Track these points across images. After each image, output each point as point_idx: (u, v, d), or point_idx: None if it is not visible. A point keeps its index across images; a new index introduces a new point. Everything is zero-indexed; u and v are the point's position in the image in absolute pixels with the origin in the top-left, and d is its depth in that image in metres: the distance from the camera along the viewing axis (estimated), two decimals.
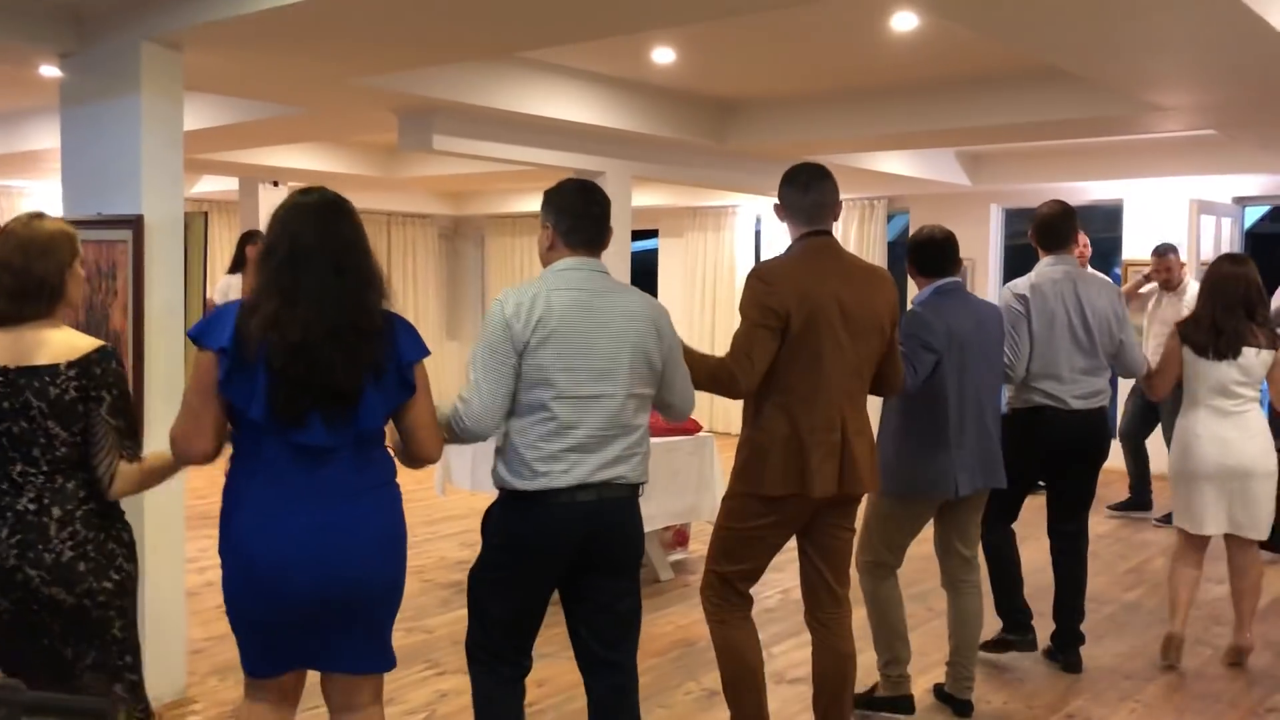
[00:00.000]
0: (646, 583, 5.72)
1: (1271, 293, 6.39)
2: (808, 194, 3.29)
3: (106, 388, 2.58)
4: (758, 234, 11.48)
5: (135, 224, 3.94)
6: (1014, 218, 10.63)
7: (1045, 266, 4.37)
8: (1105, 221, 10.28)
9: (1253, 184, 8.88)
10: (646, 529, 5.32)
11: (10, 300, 2.55)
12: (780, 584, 5.65)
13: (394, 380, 2.53)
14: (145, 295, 3.95)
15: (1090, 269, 7.69)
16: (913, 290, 4.10)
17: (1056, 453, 4.36)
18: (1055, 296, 4.25)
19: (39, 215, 2.66)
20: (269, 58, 4.53)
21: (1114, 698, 4.27)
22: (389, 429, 2.65)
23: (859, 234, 10.68)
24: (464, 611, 5.32)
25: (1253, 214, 11.02)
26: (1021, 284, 4.31)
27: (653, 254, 12.38)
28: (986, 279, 10.13)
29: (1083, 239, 7.71)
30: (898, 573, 4.00)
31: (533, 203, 12.01)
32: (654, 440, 5.39)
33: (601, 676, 2.99)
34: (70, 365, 2.54)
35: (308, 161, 8.48)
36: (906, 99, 6.56)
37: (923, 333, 3.72)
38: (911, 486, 3.82)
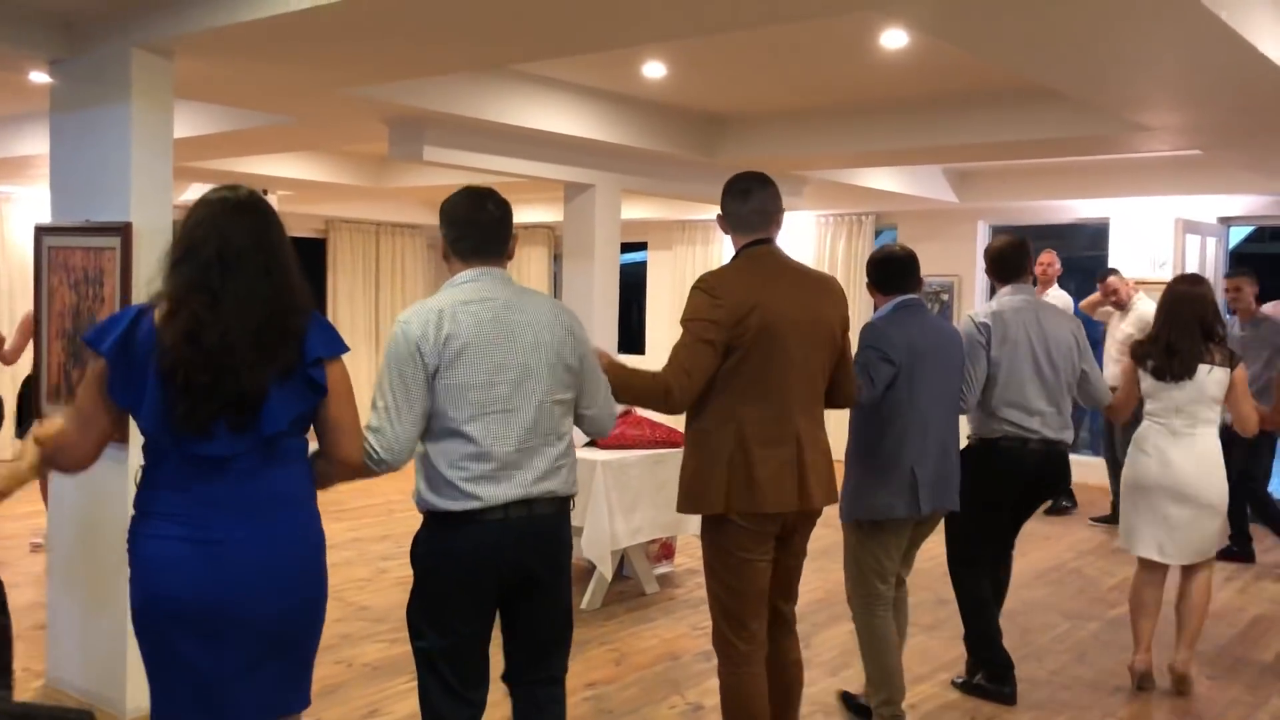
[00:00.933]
0: (630, 597, 5.72)
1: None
2: (748, 202, 3.24)
3: None
4: None
5: (124, 231, 3.93)
6: (1001, 234, 10.68)
7: (1006, 296, 4.34)
8: (1091, 240, 10.34)
9: (1237, 204, 8.95)
10: (633, 542, 5.40)
11: None
12: None
13: (301, 381, 2.36)
14: (134, 302, 3.94)
15: (1057, 289, 7.83)
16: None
17: (1019, 484, 4.26)
18: (1017, 325, 4.18)
19: None
20: (260, 66, 4.53)
21: (1096, 715, 4.28)
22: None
23: (846, 249, 10.71)
24: None
25: (1237, 234, 11.10)
26: (983, 311, 4.26)
27: (641, 266, 12.40)
28: (973, 295, 10.18)
29: (1046, 258, 7.88)
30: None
31: (522, 215, 12.09)
32: (641, 452, 5.47)
33: (533, 690, 2.90)
34: None
35: (297, 170, 8.47)
36: (895, 116, 6.60)
37: (882, 344, 3.67)
38: (873, 511, 3.74)
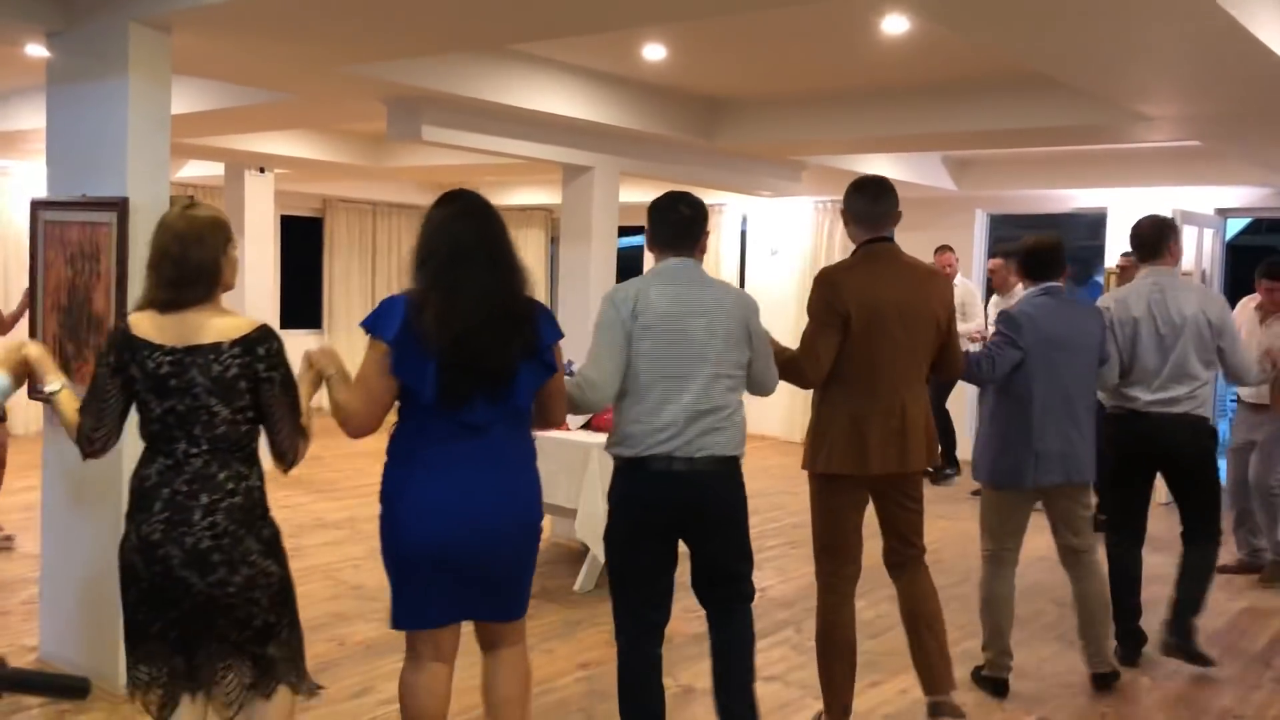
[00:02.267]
0: None
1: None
2: (875, 204, 3.68)
3: (275, 367, 2.69)
4: (744, 233, 11.50)
5: (120, 206, 3.92)
6: (998, 223, 10.69)
7: (1138, 279, 4.60)
8: (1089, 230, 10.35)
9: (1235, 196, 8.95)
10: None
11: (171, 288, 2.66)
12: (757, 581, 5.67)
13: (539, 361, 2.88)
14: (129, 279, 3.93)
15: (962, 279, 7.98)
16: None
17: (1143, 456, 4.53)
18: (1140, 306, 4.43)
19: (192, 204, 2.76)
20: (259, 42, 4.51)
21: (1084, 701, 4.31)
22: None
23: (844, 236, 10.67)
24: None
25: (1234, 226, 11.11)
26: (1107, 297, 4.59)
27: (639, 250, 12.38)
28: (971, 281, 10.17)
29: (944, 259, 8.29)
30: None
31: (520, 196, 12.09)
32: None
33: (712, 618, 3.41)
34: (234, 344, 2.65)
35: (295, 149, 8.44)
36: (895, 102, 6.58)
37: (1011, 329, 4.10)
38: (993, 476, 4.21)
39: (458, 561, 2.85)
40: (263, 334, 2.69)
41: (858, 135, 6.88)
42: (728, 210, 11.38)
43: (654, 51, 5.75)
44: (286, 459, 2.74)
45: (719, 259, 11.41)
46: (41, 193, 4.34)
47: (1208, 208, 8.97)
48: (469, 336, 2.74)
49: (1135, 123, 5.87)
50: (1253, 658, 4.89)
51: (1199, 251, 8.70)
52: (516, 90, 5.99)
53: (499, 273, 2.84)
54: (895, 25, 4.92)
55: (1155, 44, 4.09)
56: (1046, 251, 4.27)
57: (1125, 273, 7.41)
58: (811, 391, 3.73)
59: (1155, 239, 4.56)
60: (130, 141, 3.96)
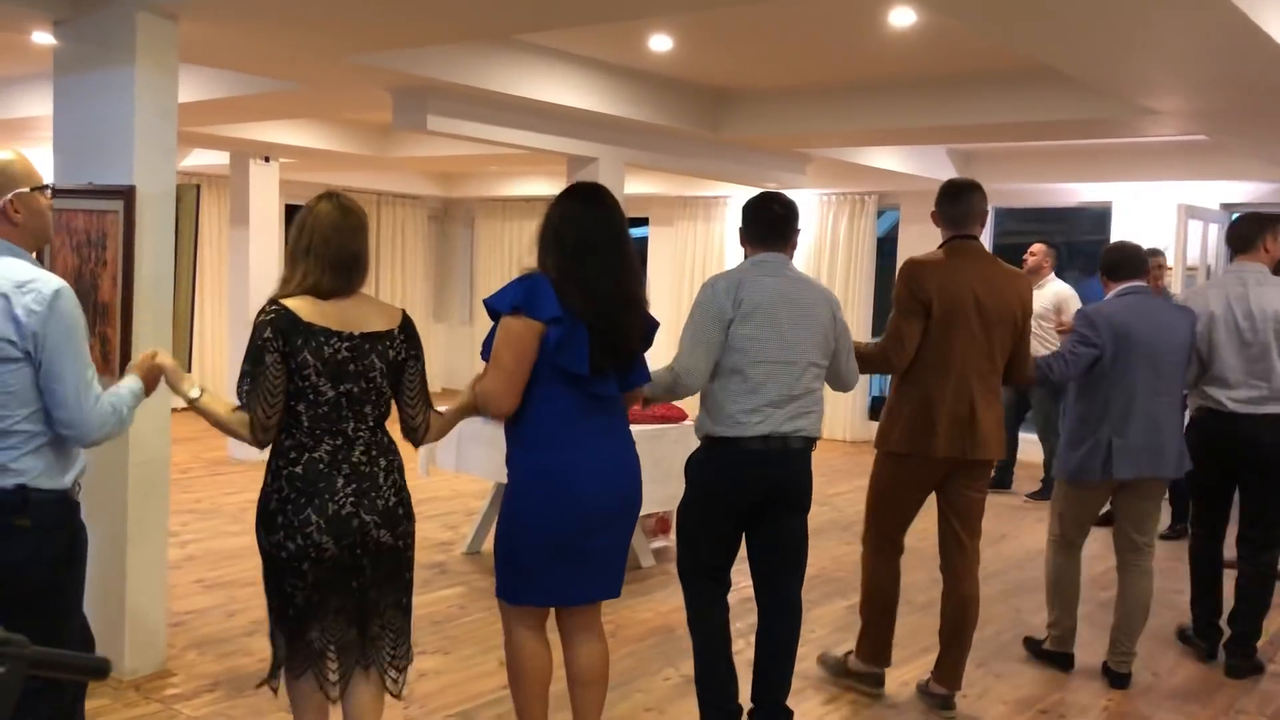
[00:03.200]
0: (628, 569, 5.74)
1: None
2: (956, 204, 3.92)
3: (420, 349, 2.93)
4: None
5: (127, 195, 3.93)
6: (1004, 216, 10.68)
7: (1223, 273, 4.63)
8: (1093, 224, 10.32)
9: (1240, 191, 8.94)
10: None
11: (337, 276, 2.79)
12: None
13: (647, 345, 3.11)
14: (135, 266, 3.94)
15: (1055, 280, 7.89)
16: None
17: (1222, 454, 4.51)
18: (1219, 301, 4.44)
19: (338, 195, 2.89)
20: (265, 31, 4.51)
21: (1087, 695, 4.32)
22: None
23: (849, 229, 10.69)
24: (444, 593, 5.35)
25: None
26: (1190, 292, 4.67)
27: (642, 242, 12.38)
28: None
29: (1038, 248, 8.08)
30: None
31: (524, 187, 12.08)
32: (638, 428, 5.46)
33: (770, 596, 3.58)
34: (399, 330, 2.85)
35: (300, 138, 8.44)
36: (901, 94, 6.57)
37: (1085, 328, 4.23)
38: (1069, 470, 4.30)
39: (597, 531, 3.03)
40: (409, 320, 2.92)
41: (863, 127, 6.87)
42: (732, 203, 11.37)
43: (660, 42, 5.74)
44: (419, 432, 2.97)
45: (723, 251, 11.42)
46: (48, 180, 4.34)
47: (1213, 203, 8.96)
48: (611, 314, 2.95)
49: (1141, 117, 5.86)
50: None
51: (1204, 246, 8.70)
52: (522, 81, 5.98)
53: (629, 261, 3.05)
54: (902, 18, 4.91)
55: (1162, 37, 4.08)
56: (1127, 253, 4.40)
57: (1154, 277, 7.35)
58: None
59: (1248, 234, 4.55)
60: (137, 130, 3.96)
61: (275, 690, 2.95)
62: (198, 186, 4.45)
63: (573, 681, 3.24)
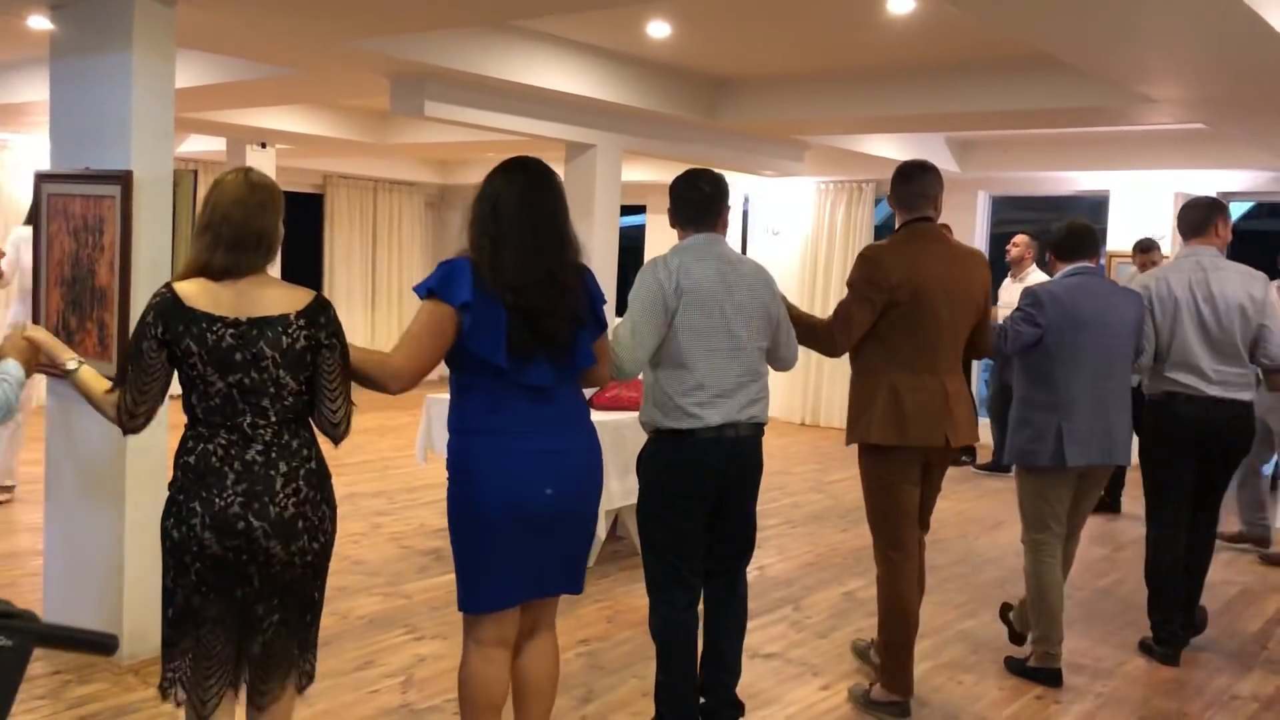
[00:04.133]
0: (623, 556, 5.76)
1: None
2: (909, 185, 3.80)
3: (335, 335, 2.64)
4: (745, 213, 11.49)
5: (124, 180, 3.92)
6: (1001, 205, 10.68)
7: (1178, 257, 4.54)
8: (1091, 212, 10.33)
9: (1237, 179, 8.94)
10: (609, 507, 5.41)
11: (231, 254, 2.57)
12: (756, 560, 5.70)
13: (593, 322, 2.93)
14: (133, 252, 3.93)
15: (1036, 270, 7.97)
16: None
17: (1178, 440, 4.42)
18: (1181, 285, 4.37)
19: (249, 170, 2.68)
20: (263, 16, 4.50)
21: (1081, 682, 4.34)
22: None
23: (846, 216, 10.68)
24: (442, 578, 5.36)
25: (1236, 210, 11.09)
26: (1146, 275, 4.55)
27: (640, 230, 12.37)
28: None
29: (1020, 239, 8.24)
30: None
31: None
32: (609, 417, 5.46)
33: (720, 581, 3.49)
34: (299, 315, 2.58)
35: (297, 124, 8.42)
36: (899, 82, 6.57)
37: (1030, 307, 4.10)
38: (1016, 452, 4.17)
39: (539, 527, 2.84)
40: (321, 303, 2.64)
41: (861, 115, 6.87)
42: (731, 191, 11.36)
43: (658, 29, 5.73)
44: (340, 429, 2.68)
45: None
46: (44, 166, 4.33)
47: (1210, 191, 8.95)
48: (537, 299, 2.77)
49: (1139, 105, 5.86)
50: (1249, 638, 4.92)
51: None
52: (520, 67, 5.97)
53: (560, 240, 2.87)
54: (901, 4, 4.91)
55: (1159, 24, 4.08)
56: (1079, 232, 4.26)
57: (1144, 268, 7.37)
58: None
59: (1200, 219, 4.52)
60: (134, 114, 3.95)
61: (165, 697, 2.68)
62: (194, 172, 4.44)
63: (515, 691, 3.04)
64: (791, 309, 3.63)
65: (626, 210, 9.66)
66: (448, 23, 4.94)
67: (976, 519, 7.12)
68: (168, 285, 2.58)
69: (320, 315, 2.61)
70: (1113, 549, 6.44)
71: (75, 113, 4.18)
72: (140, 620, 4.09)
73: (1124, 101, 5.84)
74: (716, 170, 3.48)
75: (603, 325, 2.99)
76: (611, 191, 7.56)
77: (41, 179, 4.29)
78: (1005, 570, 5.83)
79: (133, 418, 2.60)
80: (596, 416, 5.36)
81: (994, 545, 6.41)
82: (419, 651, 4.34)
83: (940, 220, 3.97)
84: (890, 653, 3.83)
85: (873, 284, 3.64)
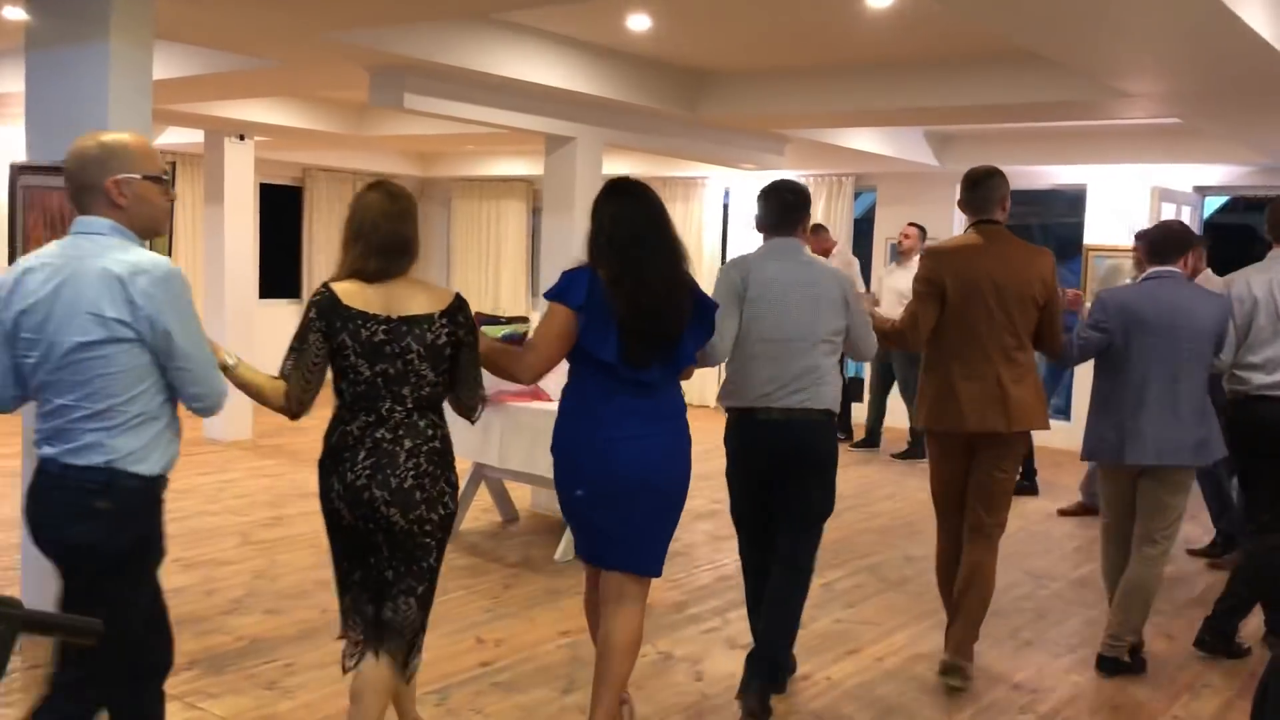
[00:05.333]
0: None
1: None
2: (975, 190, 4.06)
3: (471, 332, 3.01)
4: (726, 206, 11.51)
5: None
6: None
7: (1270, 258, 4.52)
8: (1068, 207, 10.40)
9: (1214, 174, 9.02)
10: None
11: (382, 260, 2.91)
12: (732, 551, 5.73)
13: (701, 326, 3.34)
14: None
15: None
16: None
17: (1256, 441, 4.46)
18: (1261, 286, 4.42)
19: (386, 183, 3.02)
20: (241, 7, 4.48)
21: (1058, 670, 4.38)
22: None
23: (826, 210, 10.71)
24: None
25: (1212, 204, 11.18)
26: (1236, 274, 4.56)
27: None
28: None
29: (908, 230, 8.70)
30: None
31: (501, 167, 12.04)
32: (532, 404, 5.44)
33: (781, 552, 3.82)
34: (442, 314, 2.93)
35: (276, 116, 8.38)
36: (878, 76, 6.59)
37: (1097, 313, 4.27)
38: (1088, 450, 4.33)
39: (617, 507, 3.22)
40: (460, 303, 2.99)
41: (841, 109, 6.89)
42: (710, 183, 11.38)
43: (638, 22, 5.73)
44: (475, 411, 3.08)
45: (701, 232, 11.43)
46: (20, 157, 4.31)
47: (1186, 185, 9.04)
48: (654, 310, 3.15)
49: (1115, 99, 5.90)
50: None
51: None
52: (500, 59, 5.97)
53: (672, 257, 3.24)
54: None
55: (1134, 19, 4.12)
56: (1168, 237, 4.31)
57: (1140, 264, 7.36)
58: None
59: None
60: (111, 106, 3.93)
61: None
62: (173, 164, 4.42)
63: (597, 651, 3.42)
64: (875, 313, 4.14)
65: None
66: (427, 15, 4.93)
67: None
68: (326, 285, 2.91)
69: (459, 314, 2.97)
70: (1089, 539, 6.49)
71: (52, 104, 4.15)
72: None
73: (1101, 96, 5.88)
74: (797, 181, 3.89)
75: (711, 331, 3.41)
76: (592, 184, 7.53)
77: (17, 171, 4.26)
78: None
79: (300, 404, 2.91)
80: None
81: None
82: None
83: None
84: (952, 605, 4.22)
85: (929, 282, 4.02)
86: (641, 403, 3.23)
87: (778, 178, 3.92)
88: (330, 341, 2.88)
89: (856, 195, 10.92)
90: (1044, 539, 6.50)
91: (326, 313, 2.87)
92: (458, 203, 13.17)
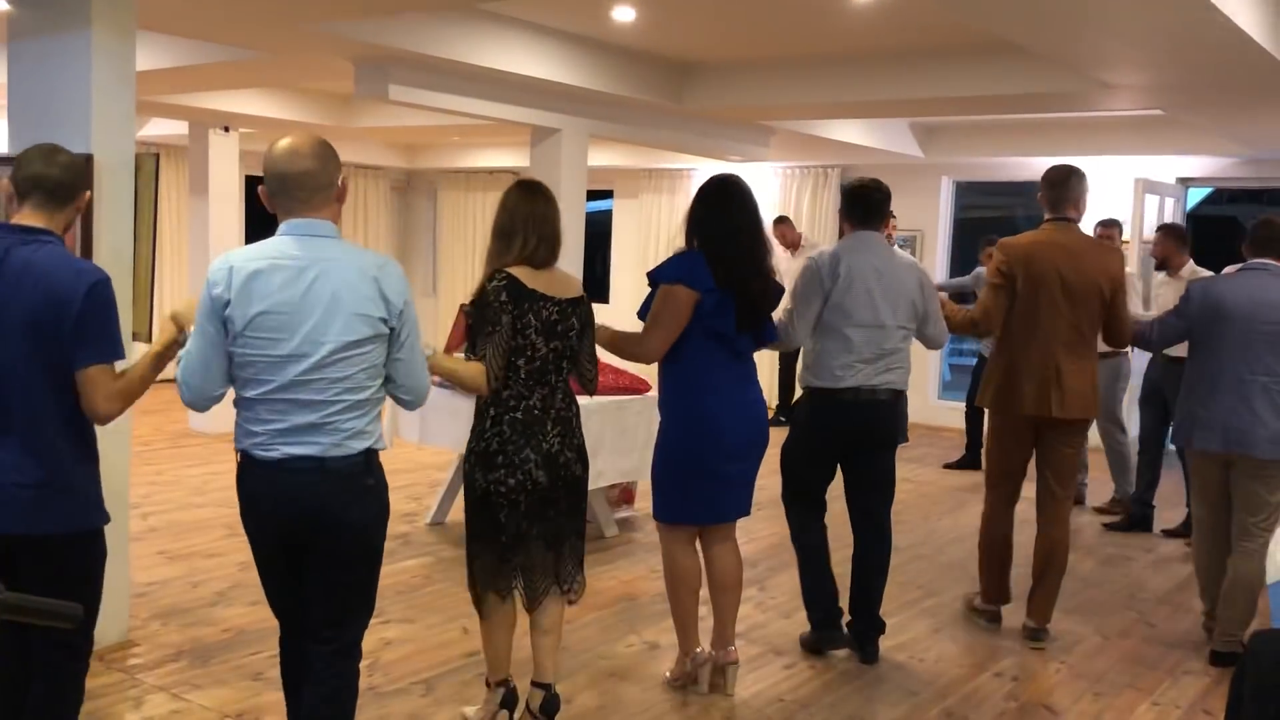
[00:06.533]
0: (591, 538, 5.79)
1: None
2: (1054, 190, 4.39)
3: (593, 314, 3.42)
4: None
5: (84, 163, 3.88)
6: (964, 190, 10.77)
7: None
8: None
9: (1197, 165, 9.07)
10: (594, 486, 5.45)
11: (548, 250, 3.28)
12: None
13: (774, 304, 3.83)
14: (95, 236, 3.90)
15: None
16: None
17: None
18: None
19: (533, 180, 3.38)
20: None
21: (1042, 657, 4.42)
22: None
23: (812, 201, 10.73)
24: (409, 563, 5.37)
25: (1195, 195, 11.24)
26: None
27: (607, 215, 12.37)
28: (935, 250, 10.26)
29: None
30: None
31: (486, 158, 12.02)
32: (604, 399, 5.51)
33: (863, 521, 4.23)
34: (585, 297, 3.37)
35: (261, 108, 8.35)
36: (863, 68, 6.61)
37: (1182, 300, 4.45)
38: (1175, 434, 4.50)
39: (744, 459, 3.72)
40: (583, 289, 3.41)
41: (826, 100, 6.91)
42: (696, 175, 11.37)
43: (623, 13, 5.73)
44: (594, 384, 3.47)
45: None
46: (3, 148, 4.29)
47: (1169, 177, 9.08)
48: (748, 285, 3.63)
49: (1098, 91, 5.93)
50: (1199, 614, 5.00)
51: (1160, 220, 8.81)
52: (485, 50, 5.96)
53: (759, 242, 3.70)
54: None
55: (1116, 11, 4.14)
56: (1267, 231, 4.35)
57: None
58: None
59: None
60: (94, 97, 3.91)
61: (480, 609, 3.42)
62: (156, 156, 4.41)
63: (712, 587, 3.87)
64: (947, 304, 4.41)
65: (593, 195, 9.65)
66: (412, 5, 4.92)
67: (939, 500, 7.21)
68: (504, 271, 3.19)
69: (587, 297, 3.39)
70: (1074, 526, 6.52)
71: (33, 95, 4.13)
72: (105, 605, 4.06)
73: (1084, 87, 5.91)
74: (880, 180, 4.17)
75: (775, 308, 3.85)
76: (578, 176, 7.55)
77: None
78: (965, 553, 5.90)
79: (498, 380, 3.20)
80: (594, 401, 5.48)
81: (954, 528, 6.49)
82: (385, 635, 4.35)
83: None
84: (984, 570, 4.64)
85: (998, 273, 4.34)
86: (744, 369, 3.73)
87: (864, 177, 4.26)
88: (518, 322, 3.17)
89: (842, 187, 10.93)
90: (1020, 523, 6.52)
91: (515, 295, 3.17)
92: (444, 194, 13.15)
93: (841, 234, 4.26)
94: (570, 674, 4.05)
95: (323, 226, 2.62)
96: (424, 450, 6.76)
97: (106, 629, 4.06)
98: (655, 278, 3.64)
